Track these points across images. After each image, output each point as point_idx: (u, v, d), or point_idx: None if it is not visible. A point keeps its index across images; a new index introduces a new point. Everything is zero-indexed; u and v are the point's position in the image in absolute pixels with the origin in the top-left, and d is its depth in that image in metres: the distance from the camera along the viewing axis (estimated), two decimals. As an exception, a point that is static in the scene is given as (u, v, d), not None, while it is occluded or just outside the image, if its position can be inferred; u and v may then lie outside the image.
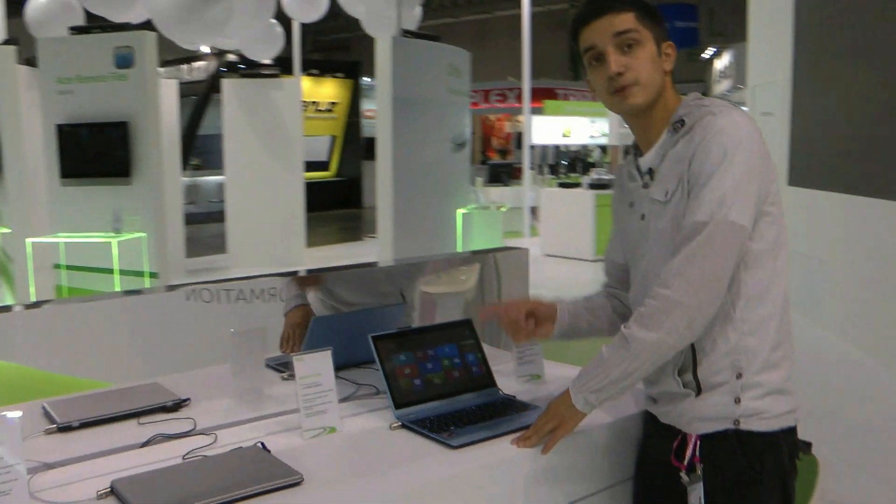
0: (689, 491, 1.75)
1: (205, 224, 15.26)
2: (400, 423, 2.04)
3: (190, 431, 2.02)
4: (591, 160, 18.42)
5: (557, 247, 11.92)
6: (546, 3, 27.13)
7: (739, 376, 1.74)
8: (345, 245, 14.01)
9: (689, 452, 1.78)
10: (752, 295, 1.74)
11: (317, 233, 11.75)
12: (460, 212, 9.12)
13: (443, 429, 1.97)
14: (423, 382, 2.16)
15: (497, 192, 14.09)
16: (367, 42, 8.87)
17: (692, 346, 1.75)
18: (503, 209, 9.99)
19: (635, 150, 1.95)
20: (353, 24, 10.08)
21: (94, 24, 8.05)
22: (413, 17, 9.50)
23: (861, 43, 6.47)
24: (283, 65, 11.55)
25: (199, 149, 18.32)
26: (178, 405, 2.17)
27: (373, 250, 12.70)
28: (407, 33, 8.34)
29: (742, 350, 1.74)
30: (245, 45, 10.34)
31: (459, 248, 9.13)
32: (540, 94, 14.90)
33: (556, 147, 19.04)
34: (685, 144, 1.76)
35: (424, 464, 1.81)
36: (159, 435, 1.98)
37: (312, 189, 11.24)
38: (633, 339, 1.71)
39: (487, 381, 2.26)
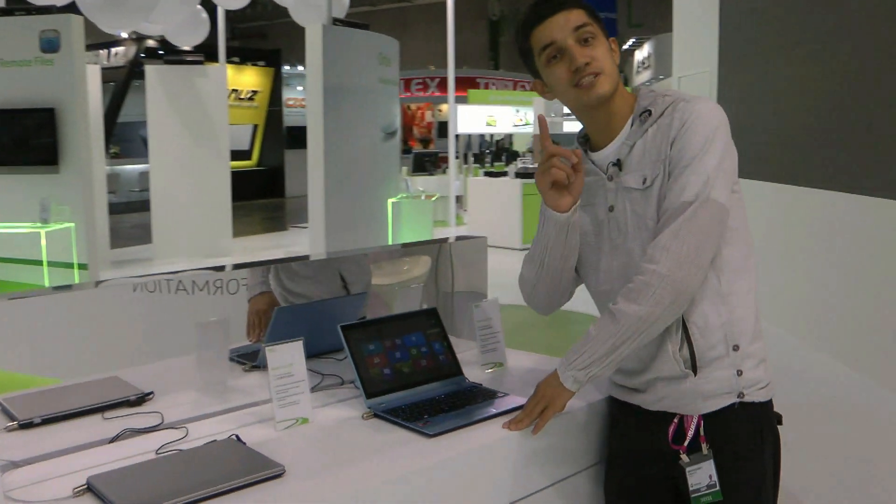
0: (689, 473, 1.79)
1: (126, 214, 14.91)
2: (372, 413, 2.03)
3: (158, 425, 1.98)
4: (514, 149, 18.55)
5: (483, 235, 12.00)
6: (466, -7, 27.12)
7: (736, 348, 1.80)
8: (270, 235, 13.86)
9: (690, 434, 1.82)
10: (734, 269, 1.82)
11: (241, 223, 11.58)
12: (390, 201, 9.10)
13: (416, 417, 1.97)
14: (393, 371, 2.16)
15: (422, 182, 14.10)
16: (286, 30, 8.77)
17: (684, 325, 1.79)
18: (434, 198, 10.00)
19: (585, 146, 1.97)
20: (271, 11, 9.98)
21: (17, 6, 7.76)
22: (341, 5, 9.43)
23: (786, 34, 6.67)
24: (204, 52, 11.32)
25: (118, 137, 17.86)
26: (141, 399, 2.12)
27: (300, 240, 12.63)
28: (336, 21, 8.27)
29: (735, 322, 1.80)
30: (170, 30, 10.11)
31: (390, 238, 9.12)
32: (462, 83, 14.95)
33: (481, 136, 19.12)
34: (658, 131, 1.81)
35: (403, 452, 1.81)
36: (128, 430, 1.94)
37: (234, 178, 11.05)
38: (620, 314, 1.75)
39: (454, 369, 2.27)
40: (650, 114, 1.83)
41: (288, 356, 1.98)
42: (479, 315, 2.44)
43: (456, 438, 1.88)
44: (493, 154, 17.64)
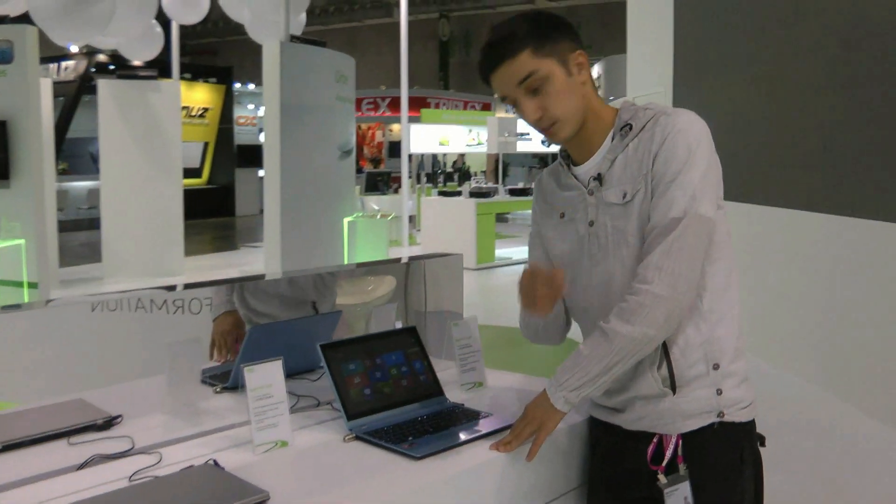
0: (666, 495, 1.74)
1: (74, 232, 14.56)
2: (354, 435, 1.95)
3: (129, 450, 1.87)
4: (466, 168, 18.58)
5: (439, 255, 11.91)
6: (415, 13, 27.23)
7: (717, 367, 1.75)
8: (222, 254, 13.63)
9: (668, 453, 1.77)
10: (717, 286, 1.78)
11: (191, 241, 11.35)
12: (346, 220, 9.00)
13: (401, 439, 1.89)
14: (373, 392, 2.08)
15: (375, 201, 14.02)
16: (237, 47, 8.68)
17: (664, 343, 1.75)
18: (389, 218, 9.92)
19: (566, 160, 1.92)
20: (222, 28, 9.88)
21: (-33, 17, 7.55)
22: (298, 22, 9.34)
23: (741, 54, 6.75)
24: (156, 67, 11.14)
25: (67, 152, 17.47)
26: (109, 422, 2.01)
27: (253, 259, 12.44)
28: (294, 38, 8.18)
29: (715, 341, 1.76)
30: (125, 44, 9.91)
31: (346, 258, 9.00)
32: (413, 103, 14.87)
33: (434, 156, 19.10)
34: (640, 146, 1.76)
35: (391, 476, 1.74)
36: (97, 455, 1.83)
37: (185, 196, 10.86)
38: (614, 334, 1.69)
39: (435, 389, 2.20)
40: (631, 128, 1.79)
41: (267, 376, 1.90)
42: (459, 333, 2.38)
43: (443, 461, 1.81)
44: (445, 174, 17.63)
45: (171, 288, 2.39)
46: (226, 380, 2.34)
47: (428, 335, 2.70)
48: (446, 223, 12.26)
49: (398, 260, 2.89)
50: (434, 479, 1.73)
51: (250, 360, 2.26)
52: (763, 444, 1.88)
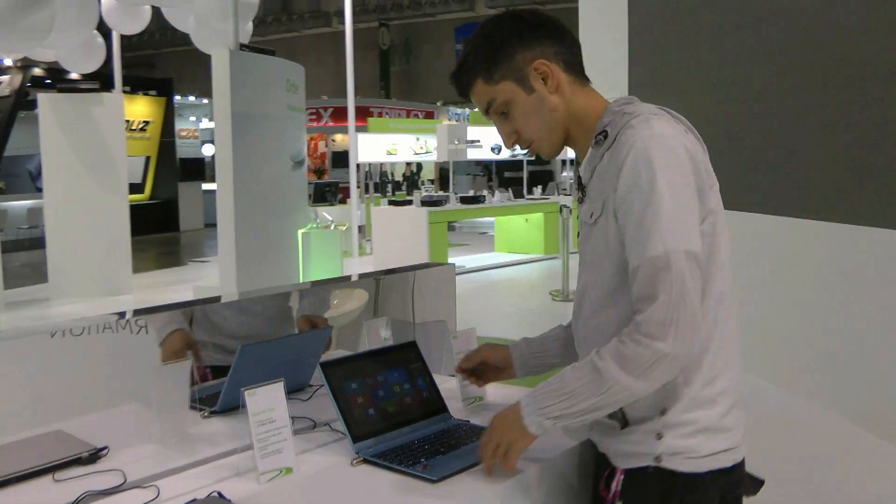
0: None
1: (15, 253, 14.09)
2: (361, 458, 1.84)
3: (122, 485, 1.73)
4: (416, 177, 18.49)
5: (391, 265, 11.71)
6: (356, 22, 27.13)
7: (663, 412, 1.62)
8: (170, 270, 13.30)
9: (613, 486, 1.67)
10: None
11: (137, 258, 11.01)
12: (300, 232, 8.84)
13: (413, 461, 1.79)
14: (377, 411, 1.97)
15: (324, 212, 13.85)
16: (175, 59, 8.49)
17: None
18: (343, 228, 9.78)
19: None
20: (159, 40, 9.67)
21: None
22: (245, 31, 9.16)
23: (699, 59, 6.76)
24: (96, 80, 10.83)
25: (3, 171, 16.93)
26: (95, 455, 1.87)
27: (203, 274, 12.16)
28: (243, 47, 8.02)
29: (670, 387, 1.60)
30: (65, 56, 9.61)
31: (301, 269, 8.85)
32: (356, 113, 14.67)
33: (381, 165, 18.94)
34: (610, 159, 1.62)
35: (412, 502, 1.63)
36: (88, 493, 1.68)
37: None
38: (611, 379, 1.54)
39: (439, 406, 2.10)
40: (605, 136, 1.65)
41: (269, 400, 1.78)
42: (459, 346, 2.27)
43: (462, 482, 1.71)
44: (393, 183, 17.50)
45: (149, 310, 2.25)
46: (211, 403, 2.21)
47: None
48: (398, 232, 12.14)
49: (393, 271, 2.78)
50: (455, 502, 1.64)
51: (240, 380, 2.14)
52: (750, 494, 1.75)
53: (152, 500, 1.65)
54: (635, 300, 1.55)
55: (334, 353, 2.47)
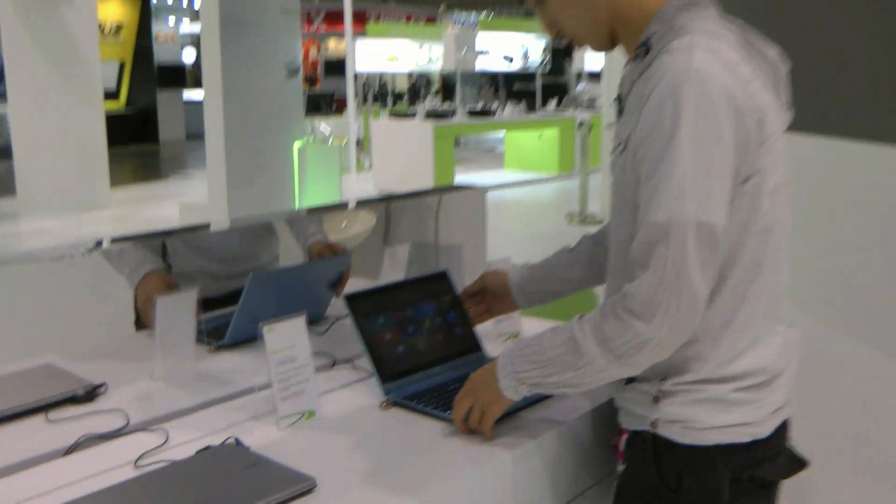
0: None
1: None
2: (391, 401, 1.78)
3: (125, 428, 1.67)
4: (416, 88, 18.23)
5: (393, 182, 11.59)
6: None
7: (664, 379, 1.50)
8: (150, 185, 13.18)
9: (620, 445, 1.60)
10: (714, 302, 1.47)
11: (113, 171, 10.83)
12: (296, 146, 8.72)
13: (446, 405, 1.72)
14: (407, 350, 1.90)
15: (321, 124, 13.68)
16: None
17: None
18: (343, 142, 9.65)
19: None
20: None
21: None
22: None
23: None
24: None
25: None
26: (92, 393, 1.81)
27: (187, 189, 12.04)
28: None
29: (676, 356, 1.46)
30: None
31: (296, 185, 8.76)
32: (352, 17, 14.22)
33: (380, 76, 18.62)
34: (644, 83, 1.45)
35: (453, 452, 1.57)
36: (87, 436, 1.62)
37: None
38: (588, 355, 1.43)
39: (473, 343, 2.03)
40: (648, 49, 1.48)
41: (289, 336, 1.70)
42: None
43: (500, 429, 1.64)
44: (395, 94, 17.26)
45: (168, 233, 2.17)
46: (218, 335, 2.14)
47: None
48: (399, 148, 12.00)
49: (417, 193, 2.69)
50: (498, 449, 1.58)
51: (249, 312, 2.09)
52: (784, 477, 1.60)
53: (160, 445, 1.59)
54: (630, 260, 1.42)
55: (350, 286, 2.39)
